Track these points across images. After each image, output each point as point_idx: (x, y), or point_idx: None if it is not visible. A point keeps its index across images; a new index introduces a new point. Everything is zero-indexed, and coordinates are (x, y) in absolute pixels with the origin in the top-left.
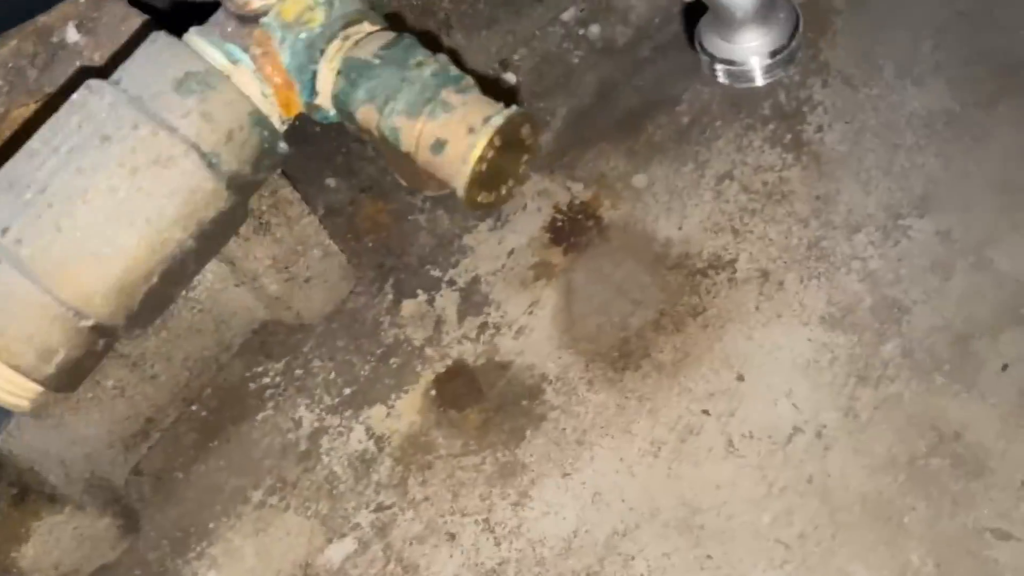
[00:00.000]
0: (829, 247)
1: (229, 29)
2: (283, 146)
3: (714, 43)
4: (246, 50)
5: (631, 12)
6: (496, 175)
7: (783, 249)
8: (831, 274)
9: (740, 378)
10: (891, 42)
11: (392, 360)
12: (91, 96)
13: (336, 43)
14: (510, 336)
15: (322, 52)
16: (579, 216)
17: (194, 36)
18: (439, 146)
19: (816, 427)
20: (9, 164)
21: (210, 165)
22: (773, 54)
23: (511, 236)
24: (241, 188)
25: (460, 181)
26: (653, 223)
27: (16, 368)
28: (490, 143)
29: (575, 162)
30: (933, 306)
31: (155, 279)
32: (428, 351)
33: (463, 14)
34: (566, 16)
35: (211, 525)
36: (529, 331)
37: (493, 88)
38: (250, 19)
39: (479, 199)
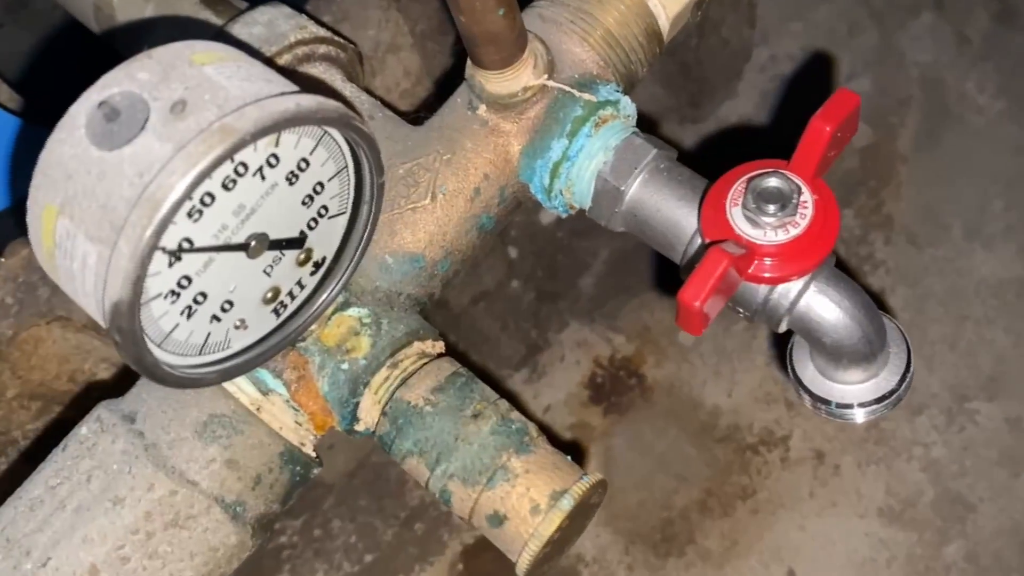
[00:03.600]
0: (889, 429)
1: None
2: (316, 471)
3: (810, 375)
4: (279, 375)
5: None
6: (560, 543)
7: (839, 428)
8: (890, 460)
9: (791, 574)
10: (959, 197)
11: (417, 525)
12: (102, 437)
13: (383, 372)
14: None
15: (366, 385)
16: (620, 372)
17: None
18: (497, 520)
19: None
20: (8, 510)
21: (235, 516)
22: (879, 399)
23: (547, 391)
24: (267, 525)
25: (521, 565)
26: (700, 387)
27: None
28: (558, 528)
29: (617, 311)
30: (1000, 505)
31: None
32: (455, 518)
33: None
34: None
35: None
36: None
37: None
38: None
39: (540, 571)
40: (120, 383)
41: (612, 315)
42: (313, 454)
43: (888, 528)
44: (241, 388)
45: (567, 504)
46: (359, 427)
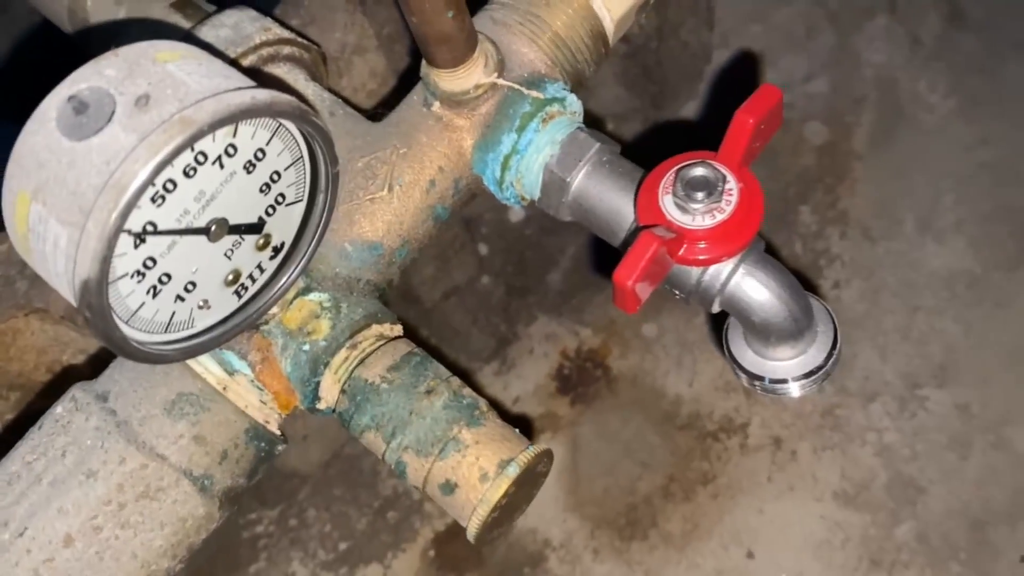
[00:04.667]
0: (844, 416)
1: None
2: (281, 447)
3: (744, 354)
4: (244, 356)
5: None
6: (508, 510)
7: (796, 415)
8: (845, 445)
9: (750, 555)
10: (912, 193)
11: (390, 514)
12: (77, 415)
13: (342, 353)
14: None
15: (326, 365)
16: (587, 364)
17: None
18: (448, 488)
19: None
20: None
21: (202, 489)
22: (808, 374)
23: (517, 382)
24: (234, 499)
25: (471, 529)
26: (663, 377)
27: None
28: (504, 493)
29: (584, 305)
30: (950, 487)
31: None
32: (427, 506)
33: None
34: None
35: None
36: None
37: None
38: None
39: (490, 536)
40: (97, 374)
41: (579, 309)
42: (278, 432)
43: (843, 510)
44: (208, 368)
45: (513, 471)
46: (320, 405)
